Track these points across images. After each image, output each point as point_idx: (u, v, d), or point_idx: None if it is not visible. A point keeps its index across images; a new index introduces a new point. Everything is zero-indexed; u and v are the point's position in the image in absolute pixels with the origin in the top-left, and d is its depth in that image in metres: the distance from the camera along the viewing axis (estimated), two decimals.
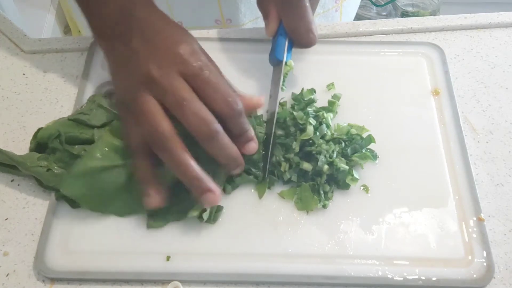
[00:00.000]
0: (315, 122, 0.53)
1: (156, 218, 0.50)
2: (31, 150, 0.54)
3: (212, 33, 0.66)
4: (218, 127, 0.47)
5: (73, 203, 0.51)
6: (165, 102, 0.47)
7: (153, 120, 0.46)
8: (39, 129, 0.54)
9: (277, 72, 0.56)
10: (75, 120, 0.54)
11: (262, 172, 0.53)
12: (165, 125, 0.46)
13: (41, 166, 0.52)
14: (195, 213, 0.49)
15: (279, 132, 0.53)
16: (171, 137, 0.46)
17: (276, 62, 0.55)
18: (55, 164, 0.52)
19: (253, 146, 0.51)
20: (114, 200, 0.50)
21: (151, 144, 0.48)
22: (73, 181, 0.49)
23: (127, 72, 0.50)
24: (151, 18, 0.51)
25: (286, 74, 0.56)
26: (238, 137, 0.50)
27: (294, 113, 0.54)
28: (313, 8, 0.55)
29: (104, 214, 0.51)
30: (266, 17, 0.56)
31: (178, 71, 0.47)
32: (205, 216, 0.50)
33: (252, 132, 0.51)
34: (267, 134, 0.54)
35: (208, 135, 0.46)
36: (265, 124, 0.55)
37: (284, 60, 0.54)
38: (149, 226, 0.50)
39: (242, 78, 0.61)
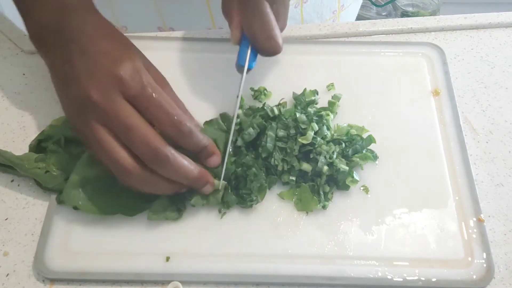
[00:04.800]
0: (317, 128, 0.53)
1: (157, 212, 0.50)
2: (31, 148, 0.54)
3: (212, 33, 0.66)
4: (167, 151, 0.45)
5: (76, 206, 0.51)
6: (111, 129, 0.45)
7: (111, 153, 0.45)
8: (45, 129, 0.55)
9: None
10: None
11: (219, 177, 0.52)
12: (121, 156, 0.45)
13: (39, 168, 0.52)
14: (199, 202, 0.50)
15: (281, 133, 0.53)
16: (133, 169, 0.45)
17: (240, 68, 0.54)
18: (54, 166, 0.52)
19: (214, 159, 0.50)
20: (118, 202, 0.50)
21: (115, 174, 0.47)
22: (72, 191, 0.49)
23: (70, 94, 0.47)
24: (89, 27, 0.49)
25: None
26: (197, 154, 0.49)
27: (297, 114, 0.54)
28: (280, 14, 0.54)
29: (104, 215, 0.51)
30: (230, 25, 0.54)
31: (120, 93, 0.45)
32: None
33: (211, 146, 0.50)
34: (226, 139, 0.53)
35: (158, 161, 0.45)
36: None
37: (246, 66, 0.53)
38: (149, 218, 0.50)
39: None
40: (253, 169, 0.51)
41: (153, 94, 0.45)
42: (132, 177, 0.46)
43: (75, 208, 0.50)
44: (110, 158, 0.45)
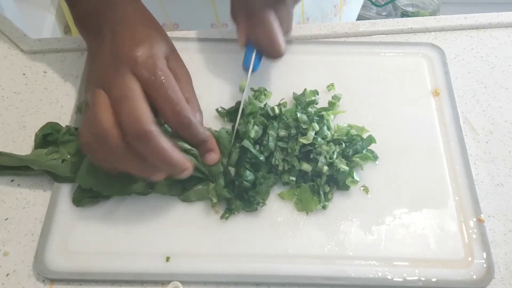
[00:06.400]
0: (318, 128, 0.53)
1: (161, 187, 0.52)
2: (36, 143, 0.55)
3: (212, 33, 0.66)
4: (150, 129, 0.43)
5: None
6: (109, 97, 0.45)
7: (97, 115, 0.45)
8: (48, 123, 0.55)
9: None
10: None
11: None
12: (105, 121, 0.44)
13: (54, 159, 0.52)
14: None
15: (282, 133, 0.53)
16: (112, 135, 0.44)
17: (246, 69, 0.57)
18: (69, 154, 0.53)
19: (212, 157, 0.50)
20: (131, 182, 0.51)
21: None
22: (86, 175, 0.50)
23: (91, 67, 0.50)
24: (125, 17, 0.51)
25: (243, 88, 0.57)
26: (196, 147, 0.49)
27: (298, 114, 0.54)
28: (284, 20, 0.55)
29: (103, 215, 0.51)
30: (237, 29, 0.57)
31: (132, 73, 0.46)
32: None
33: (211, 143, 0.50)
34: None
35: (137, 136, 0.43)
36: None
37: (250, 69, 0.56)
38: (155, 191, 0.52)
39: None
40: (263, 170, 0.52)
41: (162, 81, 0.46)
42: (107, 144, 0.45)
43: (86, 198, 0.51)
44: (94, 119, 0.45)
